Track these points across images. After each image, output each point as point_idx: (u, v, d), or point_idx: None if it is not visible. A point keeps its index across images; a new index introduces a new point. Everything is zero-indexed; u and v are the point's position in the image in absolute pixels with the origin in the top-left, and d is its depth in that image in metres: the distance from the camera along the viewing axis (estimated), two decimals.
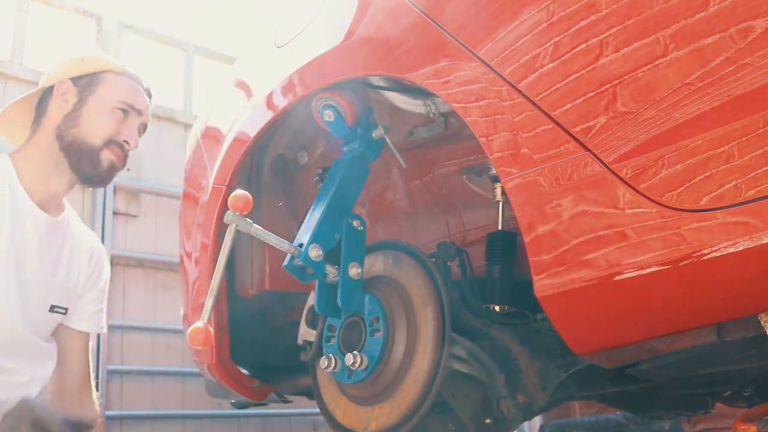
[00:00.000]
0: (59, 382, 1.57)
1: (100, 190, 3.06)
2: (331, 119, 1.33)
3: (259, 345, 1.73)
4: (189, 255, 1.77)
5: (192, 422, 3.14)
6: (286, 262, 1.20)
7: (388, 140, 1.38)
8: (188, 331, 1.04)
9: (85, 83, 1.52)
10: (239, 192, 1.09)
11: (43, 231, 1.49)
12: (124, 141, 1.52)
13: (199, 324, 1.04)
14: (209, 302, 1.09)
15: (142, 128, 1.60)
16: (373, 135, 1.38)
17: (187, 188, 1.88)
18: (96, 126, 1.49)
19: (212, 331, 1.07)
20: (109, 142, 1.50)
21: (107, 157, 1.50)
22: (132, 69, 1.61)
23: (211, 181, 1.60)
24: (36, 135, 1.52)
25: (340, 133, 1.36)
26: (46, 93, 1.54)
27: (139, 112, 1.57)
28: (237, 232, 1.11)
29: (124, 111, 1.53)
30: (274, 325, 1.77)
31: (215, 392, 1.86)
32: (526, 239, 0.92)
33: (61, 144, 1.48)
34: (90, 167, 1.49)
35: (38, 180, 1.49)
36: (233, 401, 1.97)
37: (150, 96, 1.64)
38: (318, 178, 1.55)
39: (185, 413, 3.13)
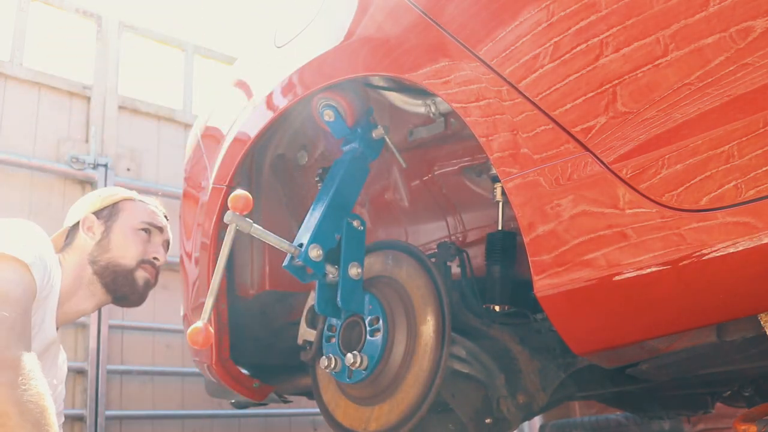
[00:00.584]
0: None
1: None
2: (331, 119, 1.33)
3: (259, 345, 1.74)
4: (189, 255, 1.77)
5: (192, 422, 3.14)
6: (286, 262, 1.20)
7: (388, 140, 1.39)
8: (188, 331, 1.04)
9: (107, 214, 1.66)
10: (239, 192, 1.09)
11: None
12: (154, 258, 1.65)
13: (199, 324, 1.04)
14: (209, 302, 1.09)
15: (166, 245, 1.73)
16: (373, 135, 1.38)
17: (187, 188, 1.88)
18: (126, 249, 1.62)
19: (212, 331, 1.07)
20: (141, 262, 1.62)
21: (142, 275, 1.62)
22: (143, 197, 1.76)
23: (211, 181, 1.61)
24: (66, 262, 1.61)
25: (340, 133, 1.36)
26: (72, 230, 1.66)
27: (161, 230, 1.70)
28: (237, 232, 1.11)
29: (147, 231, 1.66)
30: (274, 325, 1.77)
31: (215, 392, 1.86)
32: (526, 239, 0.92)
33: (95, 268, 1.59)
34: (127, 287, 1.60)
35: (70, 297, 1.58)
36: (233, 401, 1.97)
37: (166, 218, 1.76)
38: (318, 178, 1.55)
39: (185, 413, 3.12)
